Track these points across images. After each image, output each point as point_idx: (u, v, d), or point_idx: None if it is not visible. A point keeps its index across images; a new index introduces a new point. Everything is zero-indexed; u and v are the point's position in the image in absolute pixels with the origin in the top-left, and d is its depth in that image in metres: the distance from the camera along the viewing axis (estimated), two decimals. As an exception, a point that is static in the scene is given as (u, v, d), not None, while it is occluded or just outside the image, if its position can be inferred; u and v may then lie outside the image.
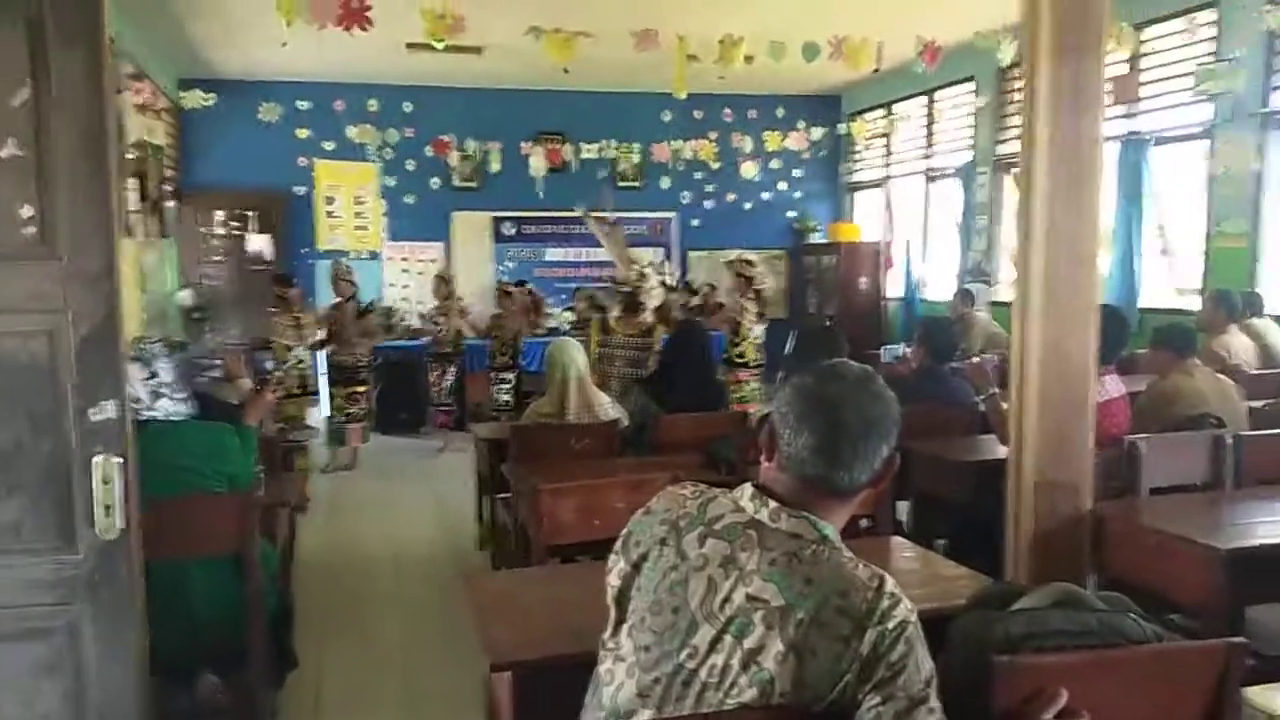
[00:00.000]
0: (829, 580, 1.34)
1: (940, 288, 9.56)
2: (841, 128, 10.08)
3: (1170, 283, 7.13)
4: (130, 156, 6.85)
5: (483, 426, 5.31)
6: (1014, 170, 7.76)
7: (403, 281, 10.20)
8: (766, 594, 1.35)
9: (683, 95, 6.41)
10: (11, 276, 1.89)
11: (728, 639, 1.35)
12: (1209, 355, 4.74)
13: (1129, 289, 6.94)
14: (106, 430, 1.93)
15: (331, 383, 7.25)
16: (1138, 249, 6.96)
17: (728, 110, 10.26)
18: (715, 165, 9.92)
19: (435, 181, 10.07)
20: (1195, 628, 2.52)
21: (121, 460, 1.94)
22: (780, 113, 10.45)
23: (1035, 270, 2.46)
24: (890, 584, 1.35)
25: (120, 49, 6.64)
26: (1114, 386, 3.59)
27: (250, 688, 2.77)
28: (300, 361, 6.84)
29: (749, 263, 7.41)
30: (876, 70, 6.50)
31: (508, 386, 7.86)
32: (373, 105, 9.57)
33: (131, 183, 6.99)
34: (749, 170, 9.74)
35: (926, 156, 9.82)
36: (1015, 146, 4.45)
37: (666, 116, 10.06)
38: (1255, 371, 5.01)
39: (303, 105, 9.31)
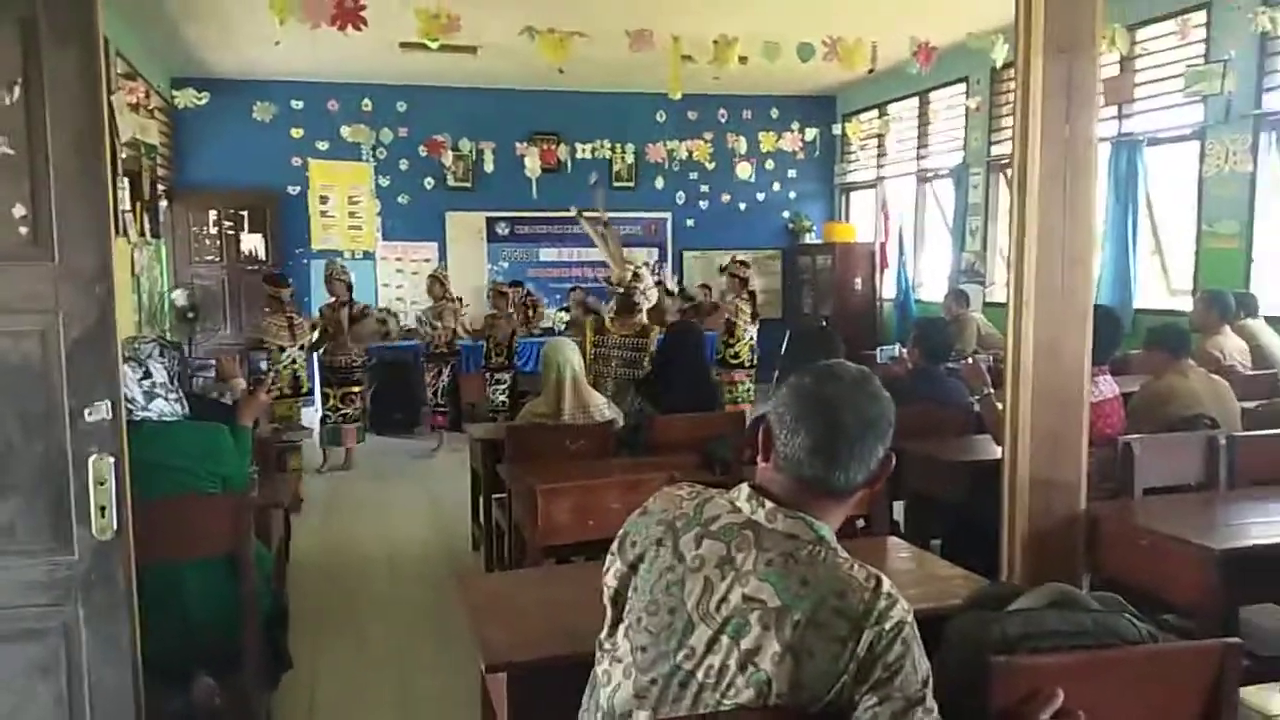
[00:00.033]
0: (826, 581, 1.34)
1: (934, 288, 9.58)
2: (836, 128, 10.09)
3: (1163, 283, 7.16)
4: (123, 156, 6.83)
5: (478, 427, 5.30)
6: (1007, 171, 7.78)
7: (397, 281, 10.19)
8: (763, 594, 1.35)
9: (677, 96, 6.41)
10: (4, 277, 1.88)
11: (724, 640, 1.35)
12: (1203, 356, 4.75)
13: (1122, 290, 6.96)
14: (101, 431, 1.93)
15: (326, 383, 7.24)
16: (1131, 250, 6.98)
17: (722, 111, 10.28)
18: (710, 166, 9.93)
19: (429, 181, 10.06)
20: (1190, 628, 2.52)
21: (115, 461, 1.94)
22: (775, 113, 10.47)
23: (1029, 271, 2.47)
24: (887, 584, 1.35)
25: (113, 48, 6.63)
26: (1108, 387, 3.60)
27: (245, 689, 2.76)
28: (293, 362, 6.82)
29: (743, 264, 7.43)
30: (871, 71, 6.50)
31: (503, 387, 7.85)
32: (366, 105, 9.56)
33: (124, 182, 6.97)
34: (743, 171, 9.75)
35: (920, 157, 9.83)
36: (1008, 147, 4.46)
37: (661, 117, 10.08)
38: (1249, 372, 5.02)
39: (296, 104, 9.30)
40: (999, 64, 6.66)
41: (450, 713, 3.29)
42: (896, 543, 2.69)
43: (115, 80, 6.74)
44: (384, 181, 9.97)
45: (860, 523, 3.29)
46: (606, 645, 1.50)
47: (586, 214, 7.90)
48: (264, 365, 7.17)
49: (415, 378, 8.50)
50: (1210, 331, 5.18)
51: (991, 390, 3.63)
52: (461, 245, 10.33)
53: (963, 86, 8.88)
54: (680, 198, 10.74)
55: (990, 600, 1.73)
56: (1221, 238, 6.32)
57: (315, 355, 7.29)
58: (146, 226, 7.85)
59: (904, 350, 5.14)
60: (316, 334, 7.08)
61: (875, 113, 10.22)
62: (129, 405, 2.66)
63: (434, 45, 5.45)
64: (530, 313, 9.15)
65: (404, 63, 8.25)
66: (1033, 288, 2.46)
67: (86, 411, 1.92)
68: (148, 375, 2.84)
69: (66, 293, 1.90)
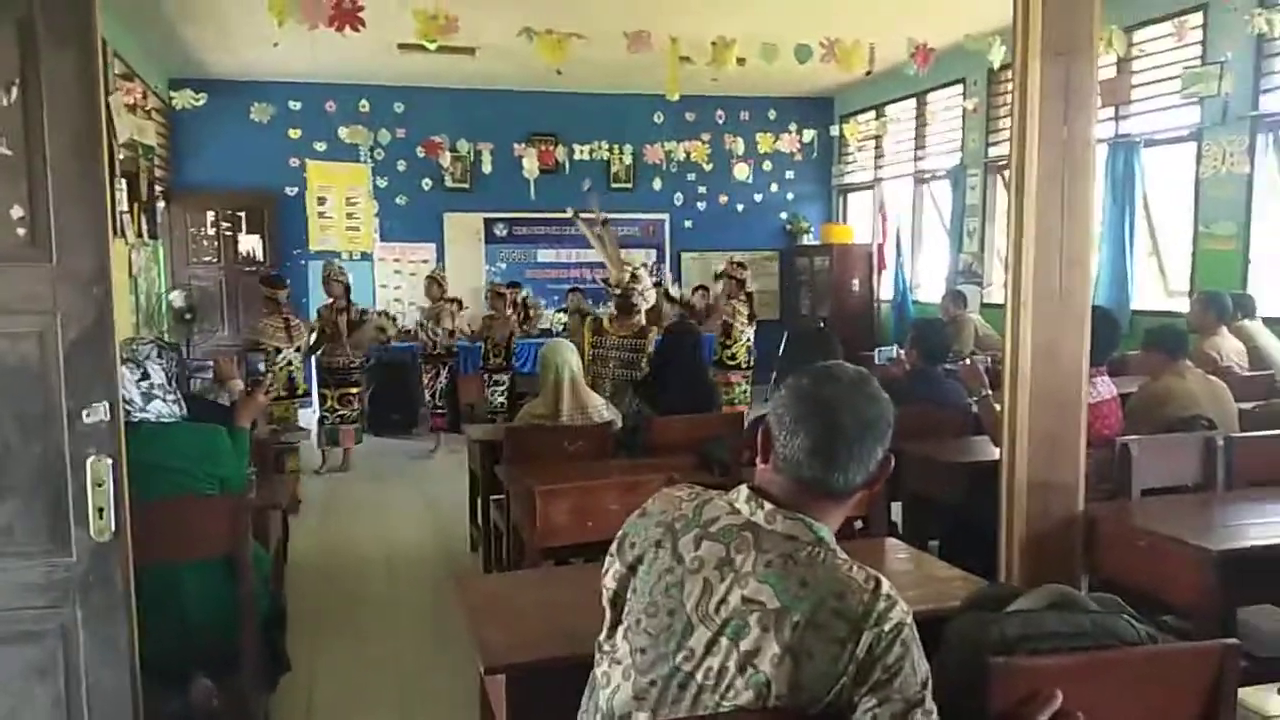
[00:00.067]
0: (825, 582, 1.34)
1: (931, 289, 9.59)
2: (833, 129, 10.10)
3: (1160, 285, 7.17)
4: (121, 157, 6.82)
5: (476, 428, 5.29)
6: (1005, 172, 7.79)
7: (395, 283, 10.18)
8: (762, 596, 1.35)
9: (675, 97, 6.42)
10: (2, 278, 1.88)
11: (724, 641, 1.35)
12: (1200, 357, 4.76)
13: (1120, 291, 6.96)
14: (98, 432, 1.92)
15: (323, 384, 7.23)
16: (1128, 251, 6.99)
17: (720, 112, 10.28)
18: (708, 167, 9.94)
19: (427, 182, 10.05)
20: (1187, 629, 2.53)
21: (113, 462, 1.94)
22: (772, 114, 10.48)
23: (1027, 272, 2.47)
24: (886, 586, 1.35)
25: (111, 49, 6.62)
26: (1106, 388, 3.60)
27: (243, 690, 2.75)
28: (289, 363, 6.82)
29: (740, 265, 7.43)
30: (869, 72, 6.51)
31: (501, 388, 7.85)
32: (364, 106, 9.56)
33: (122, 183, 6.96)
34: (741, 172, 9.76)
35: (917, 158, 9.84)
36: (1005, 148, 4.46)
37: (659, 118, 10.08)
38: (1246, 373, 5.03)
39: (294, 105, 9.30)
40: (996, 65, 6.67)
41: (449, 714, 3.29)
42: (894, 544, 2.69)
43: (113, 81, 6.74)
44: (382, 182, 9.96)
45: (858, 524, 3.29)
46: (606, 647, 1.50)
47: (583, 215, 7.89)
48: (261, 367, 7.17)
49: (413, 379, 8.50)
50: (1207, 333, 5.19)
51: (989, 391, 3.64)
52: (459, 246, 10.33)
53: (960, 88, 8.89)
54: (678, 199, 10.75)
55: (989, 601, 1.73)
56: (1218, 239, 6.33)
57: (313, 357, 7.28)
58: (144, 227, 7.84)
59: (902, 351, 5.14)
60: (314, 337, 7.07)
61: (873, 114, 10.23)
62: (127, 406, 2.66)
63: (432, 46, 5.44)
64: (527, 314, 9.14)
65: (402, 64, 8.25)
66: (1031, 289, 2.47)
67: (84, 413, 1.91)
68: (146, 376, 2.84)
69: (64, 294, 1.90)
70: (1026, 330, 2.48)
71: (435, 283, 8.06)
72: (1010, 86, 2.66)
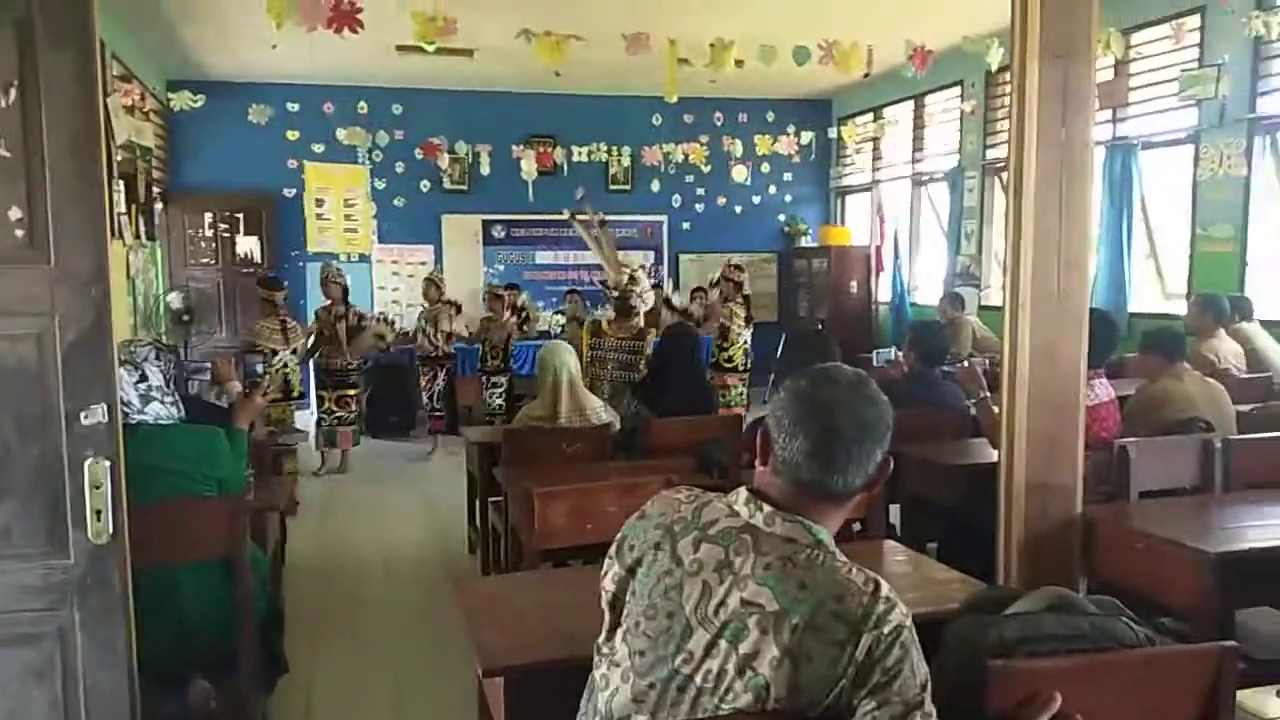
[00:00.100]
0: (824, 585, 1.34)
1: (929, 291, 9.59)
2: (831, 132, 10.11)
3: (1158, 287, 7.17)
4: (119, 158, 6.82)
5: (474, 430, 5.29)
6: (1002, 174, 7.80)
7: (393, 284, 10.17)
8: (761, 599, 1.34)
9: (673, 99, 6.41)
10: (0, 280, 1.88)
11: (723, 644, 1.35)
12: (1197, 359, 4.76)
13: (1117, 293, 6.97)
14: (96, 434, 1.92)
15: (321, 386, 7.23)
16: (1126, 253, 7.00)
17: (718, 114, 10.29)
18: (706, 169, 9.94)
19: (425, 184, 10.05)
20: (1185, 631, 2.53)
21: (111, 464, 1.93)
22: (770, 116, 10.48)
23: (1025, 274, 2.47)
24: (885, 588, 1.35)
25: (109, 51, 6.62)
26: (1103, 390, 3.60)
27: (241, 692, 2.75)
28: (285, 366, 6.81)
29: (738, 268, 7.43)
30: (867, 75, 6.51)
31: (500, 390, 7.85)
32: (363, 107, 9.56)
33: (119, 185, 6.96)
34: (739, 174, 9.76)
35: (915, 160, 9.85)
36: (1003, 151, 4.47)
37: (657, 120, 10.08)
38: (1244, 375, 5.03)
39: (292, 107, 9.28)
40: (994, 68, 6.67)
41: (447, 717, 3.29)
42: (893, 546, 2.69)
43: (111, 83, 6.74)
44: (380, 184, 9.96)
45: (857, 526, 3.29)
46: (604, 649, 1.49)
47: (579, 216, 7.87)
48: (259, 368, 7.15)
49: (410, 381, 8.50)
50: (1205, 335, 5.19)
51: (988, 393, 3.64)
52: (457, 248, 10.32)
53: (958, 90, 8.90)
54: (676, 201, 10.75)
55: (987, 604, 1.73)
56: (1216, 241, 6.34)
57: (311, 360, 7.28)
58: (142, 229, 7.84)
59: (900, 353, 5.14)
60: (312, 340, 7.06)
61: (870, 116, 10.23)
62: (125, 408, 2.65)
63: (430, 48, 5.44)
64: (525, 318, 9.13)
65: (400, 65, 8.24)
66: (1029, 291, 2.47)
67: (82, 415, 1.91)
68: (144, 378, 2.83)
69: (62, 295, 1.90)
70: (1024, 332, 2.48)
71: (433, 285, 8.06)
72: (1008, 89, 2.66)
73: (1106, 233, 7.01)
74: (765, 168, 10.31)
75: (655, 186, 10.36)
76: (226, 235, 9.79)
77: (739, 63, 6.27)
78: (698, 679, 1.36)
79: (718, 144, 9.70)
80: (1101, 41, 5.81)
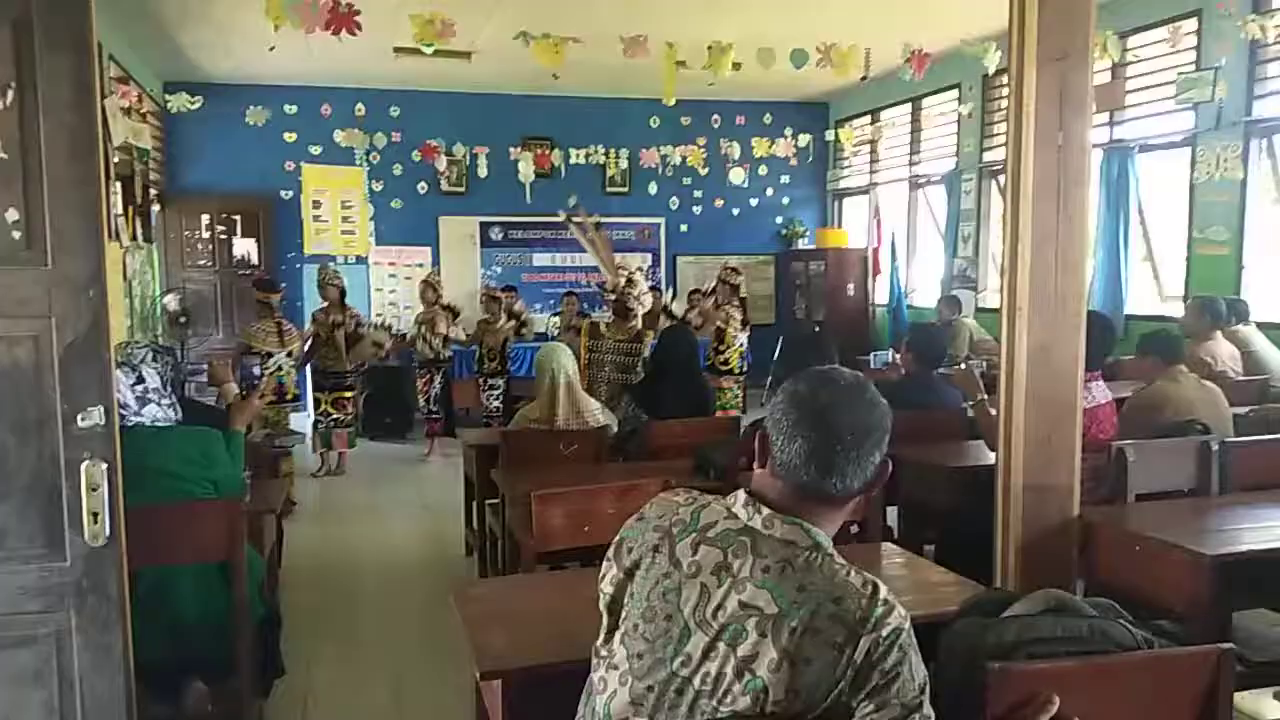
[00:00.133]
0: (822, 587, 1.34)
1: (926, 294, 9.60)
2: (828, 134, 10.12)
3: (1155, 290, 7.19)
4: (116, 160, 6.81)
5: (472, 432, 5.29)
6: (999, 177, 7.80)
7: (390, 286, 10.16)
8: (760, 601, 1.34)
9: (671, 101, 6.41)
10: (-3, 281, 1.88)
11: (721, 646, 1.35)
12: (1194, 362, 4.77)
13: (1114, 296, 6.98)
14: (94, 436, 1.92)
15: (318, 388, 7.21)
16: (1123, 256, 7.01)
17: (716, 116, 10.29)
18: (703, 171, 9.94)
19: (423, 186, 10.05)
20: (1182, 633, 2.53)
21: (108, 466, 1.93)
22: (768, 119, 10.49)
23: (1023, 276, 2.48)
24: (884, 591, 1.35)
25: (107, 52, 6.61)
26: (1101, 393, 3.60)
27: (237, 695, 2.75)
28: (279, 368, 6.79)
29: (734, 270, 7.43)
30: (864, 78, 6.51)
31: (497, 392, 7.83)
32: (360, 109, 9.56)
33: (116, 186, 6.95)
34: (737, 176, 9.76)
35: (913, 163, 9.86)
36: (1000, 153, 4.49)
37: (655, 122, 10.08)
38: (1240, 378, 5.04)
39: (290, 109, 9.28)
40: (992, 71, 6.67)
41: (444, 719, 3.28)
42: (890, 548, 2.69)
43: (108, 84, 6.73)
44: (377, 186, 9.95)
45: (854, 528, 3.29)
46: (603, 652, 1.49)
47: (574, 219, 7.86)
48: (257, 370, 7.14)
49: (407, 383, 8.49)
50: (1202, 337, 5.20)
51: (985, 396, 3.64)
52: (455, 250, 10.32)
53: (955, 93, 8.91)
54: (674, 203, 10.75)
55: (985, 606, 1.73)
56: (1213, 244, 6.35)
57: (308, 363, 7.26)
58: (139, 231, 7.83)
59: (897, 356, 5.15)
60: (309, 344, 7.05)
61: (868, 119, 10.25)
62: (122, 411, 2.65)
63: (428, 50, 5.43)
64: (520, 324, 9.10)
65: (398, 67, 8.24)
66: (1026, 294, 2.47)
67: (79, 417, 1.91)
68: (141, 380, 2.83)
69: (59, 298, 1.89)
70: (1022, 335, 2.48)
71: (430, 287, 8.04)
72: (1005, 92, 2.66)
73: (1104, 235, 7.02)
74: (763, 170, 10.32)
75: (653, 189, 10.36)
76: (223, 237, 9.78)
77: (737, 66, 6.27)
78: (696, 681, 1.36)
79: (715, 146, 9.71)
80: (1098, 45, 5.83)
